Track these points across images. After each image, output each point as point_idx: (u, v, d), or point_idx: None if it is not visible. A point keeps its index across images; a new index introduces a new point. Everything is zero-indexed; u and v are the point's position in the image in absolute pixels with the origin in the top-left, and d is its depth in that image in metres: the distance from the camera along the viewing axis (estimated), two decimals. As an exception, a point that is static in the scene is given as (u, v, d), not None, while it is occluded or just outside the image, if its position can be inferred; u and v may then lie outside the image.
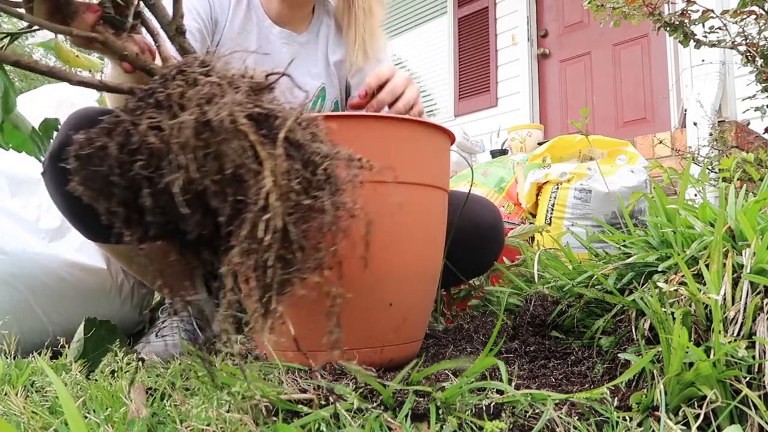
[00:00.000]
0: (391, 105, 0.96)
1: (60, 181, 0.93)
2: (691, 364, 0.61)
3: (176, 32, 0.62)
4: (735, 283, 0.71)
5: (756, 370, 0.62)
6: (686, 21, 1.89)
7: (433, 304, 0.92)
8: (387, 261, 0.78)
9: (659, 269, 0.84)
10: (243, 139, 0.49)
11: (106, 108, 0.97)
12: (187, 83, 0.52)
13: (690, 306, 0.72)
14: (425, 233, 0.83)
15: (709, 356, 0.62)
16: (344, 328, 0.77)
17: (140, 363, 0.87)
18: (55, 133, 0.91)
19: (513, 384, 0.68)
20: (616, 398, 0.66)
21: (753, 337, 0.64)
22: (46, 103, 1.51)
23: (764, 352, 0.63)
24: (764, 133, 2.21)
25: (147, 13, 0.66)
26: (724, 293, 0.70)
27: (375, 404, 0.63)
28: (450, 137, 0.88)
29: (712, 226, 0.86)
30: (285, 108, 0.54)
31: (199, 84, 0.51)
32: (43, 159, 0.92)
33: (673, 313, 0.70)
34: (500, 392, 0.64)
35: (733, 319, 0.67)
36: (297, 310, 0.77)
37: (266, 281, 0.50)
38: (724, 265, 0.72)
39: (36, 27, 0.61)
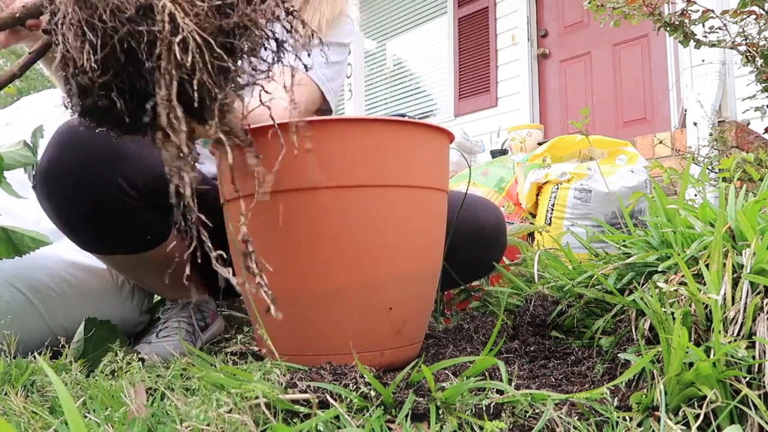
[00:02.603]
0: None
1: (52, 194, 0.93)
2: (691, 364, 0.61)
3: None
4: (735, 283, 0.71)
5: (756, 370, 0.62)
6: (686, 21, 1.88)
7: (433, 306, 0.92)
8: (387, 265, 0.78)
9: (659, 269, 0.84)
10: None
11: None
12: None
13: (690, 306, 0.72)
14: (425, 236, 0.83)
15: (709, 356, 0.62)
16: (344, 331, 0.77)
17: (140, 363, 0.87)
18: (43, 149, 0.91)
19: (513, 384, 0.68)
20: (616, 398, 0.66)
21: (753, 337, 0.64)
22: (45, 108, 1.51)
23: (764, 352, 0.63)
24: (764, 133, 2.21)
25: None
26: (724, 293, 0.70)
27: (375, 404, 0.63)
28: (448, 137, 0.87)
29: (712, 226, 0.86)
30: None
31: None
32: (33, 173, 0.93)
33: (673, 313, 0.70)
34: (500, 392, 0.64)
35: (733, 319, 0.67)
36: (297, 312, 0.77)
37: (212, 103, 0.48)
38: (724, 265, 0.72)
39: None
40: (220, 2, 0.49)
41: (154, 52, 0.48)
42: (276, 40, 0.57)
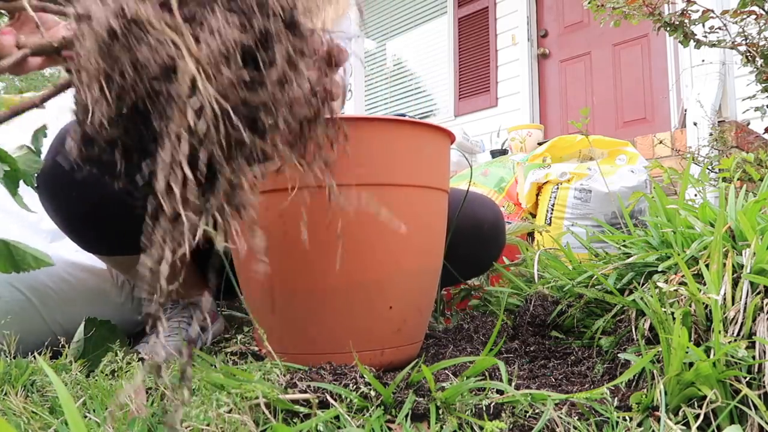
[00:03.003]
0: None
1: (53, 195, 0.94)
2: (691, 364, 0.61)
3: None
4: (735, 283, 0.71)
5: (756, 370, 0.62)
6: (686, 21, 1.89)
7: (433, 305, 0.92)
8: (387, 264, 0.78)
9: (659, 269, 0.84)
10: (150, 31, 0.42)
11: None
12: None
13: (690, 306, 0.72)
14: (426, 235, 0.83)
15: (709, 356, 0.62)
16: (345, 330, 0.77)
17: (140, 363, 0.87)
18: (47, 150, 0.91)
19: (513, 384, 0.68)
20: (616, 398, 0.66)
21: (753, 337, 0.64)
22: (45, 107, 1.50)
23: (764, 352, 0.63)
24: (764, 133, 2.21)
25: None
26: (724, 293, 0.70)
27: (375, 404, 0.63)
28: (450, 137, 0.88)
29: (712, 226, 0.86)
30: None
31: None
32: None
33: (673, 313, 0.70)
34: (500, 392, 0.64)
35: (733, 319, 0.67)
36: (298, 311, 0.77)
37: (220, 181, 0.44)
38: (724, 265, 0.72)
39: None
40: (248, 78, 0.45)
41: (167, 114, 0.45)
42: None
